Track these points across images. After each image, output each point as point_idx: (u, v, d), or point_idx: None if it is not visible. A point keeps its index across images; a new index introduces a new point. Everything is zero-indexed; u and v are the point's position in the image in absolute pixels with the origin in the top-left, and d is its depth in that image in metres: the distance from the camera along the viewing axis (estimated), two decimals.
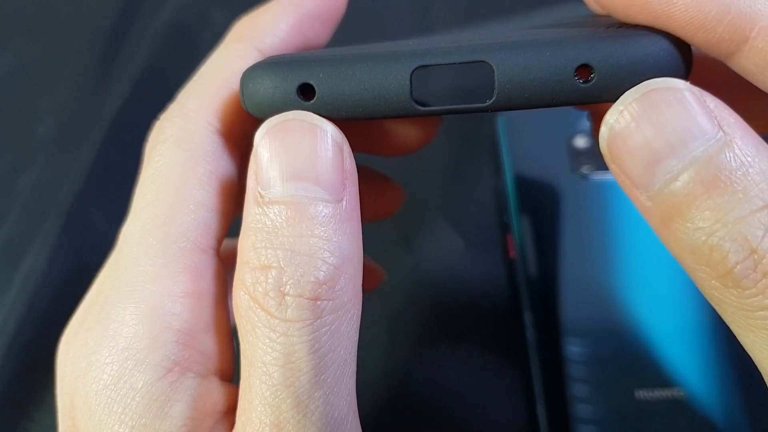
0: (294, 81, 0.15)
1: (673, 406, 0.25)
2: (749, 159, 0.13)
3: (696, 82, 0.14)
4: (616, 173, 0.14)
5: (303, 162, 0.15)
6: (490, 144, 0.33)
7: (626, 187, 0.14)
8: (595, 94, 0.15)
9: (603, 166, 0.14)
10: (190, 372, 0.16)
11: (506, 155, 0.31)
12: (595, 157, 0.30)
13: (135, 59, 0.37)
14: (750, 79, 0.15)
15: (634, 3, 0.15)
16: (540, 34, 0.16)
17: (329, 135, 0.15)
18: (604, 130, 0.14)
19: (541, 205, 0.29)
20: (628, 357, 0.26)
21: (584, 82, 0.15)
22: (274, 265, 0.14)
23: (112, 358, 0.15)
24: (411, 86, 0.15)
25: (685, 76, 0.15)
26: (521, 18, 0.22)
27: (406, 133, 0.22)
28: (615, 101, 0.14)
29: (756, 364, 0.14)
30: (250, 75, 0.16)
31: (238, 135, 0.18)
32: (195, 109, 0.17)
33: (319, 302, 0.14)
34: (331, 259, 0.14)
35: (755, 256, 0.13)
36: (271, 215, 0.14)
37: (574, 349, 0.26)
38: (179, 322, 0.16)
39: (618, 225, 0.28)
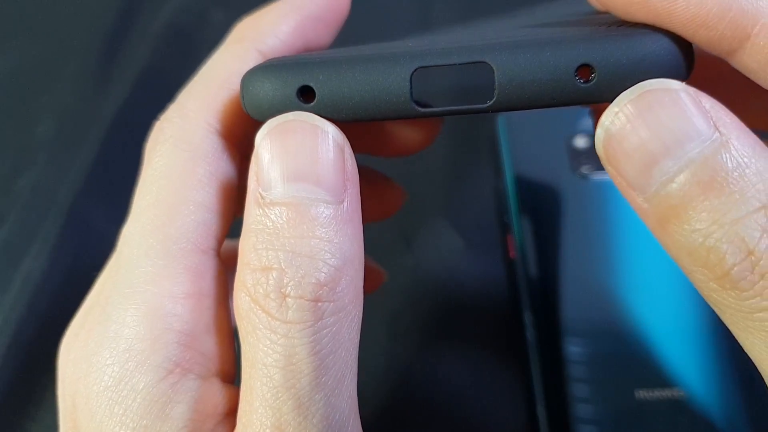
0: (294, 84, 0.15)
1: (673, 406, 0.25)
2: (746, 160, 0.13)
3: (697, 80, 0.14)
4: (612, 175, 0.14)
5: (304, 163, 0.15)
6: (490, 144, 0.33)
7: (623, 189, 0.14)
8: (595, 94, 0.15)
9: (603, 167, 0.14)
10: (191, 373, 0.16)
11: (506, 155, 0.31)
12: (595, 157, 0.30)
13: (135, 59, 0.37)
14: (752, 76, 0.15)
15: (635, 1, 0.15)
16: (540, 33, 0.16)
17: (330, 136, 0.15)
18: (599, 131, 0.14)
19: (541, 205, 0.29)
20: (628, 357, 0.26)
21: (585, 82, 0.15)
22: (275, 266, 0.14)
23: (113, 360, 0.15)
24: (411, 88, 0.15)
25: (687, 75, 0.15)
26: (523, 14, 0.22)
27: (408, 134, 0.22)
28: None
29: (755, 364, 0.14)
30: (249, 78, 0.16)
31: (239, 136, 0.18)
32: (195, 110, 0.17)
33: (320, 304, 0.14)
34: (332, 260, 0.14)
35: (752, 258, 0.13)
36: (272, 216, 0.14)
37: (574, 349, 0.26)
38: (180, 323, 0.16)
39: (618, 225, 0.28)
